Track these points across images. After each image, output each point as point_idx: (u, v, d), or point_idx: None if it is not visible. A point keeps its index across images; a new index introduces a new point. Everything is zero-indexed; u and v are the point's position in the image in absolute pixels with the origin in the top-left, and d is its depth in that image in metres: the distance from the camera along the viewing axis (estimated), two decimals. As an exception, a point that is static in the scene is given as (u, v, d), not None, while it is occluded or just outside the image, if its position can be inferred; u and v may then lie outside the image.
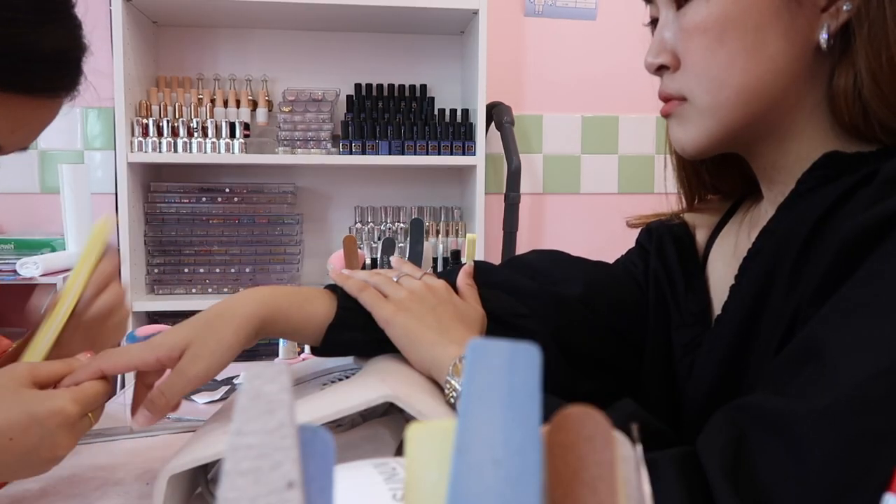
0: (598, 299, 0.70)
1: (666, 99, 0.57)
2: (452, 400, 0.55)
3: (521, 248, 2.26)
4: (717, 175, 0.66)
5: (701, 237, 0.68)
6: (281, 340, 1.05)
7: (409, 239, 1.09)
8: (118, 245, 1.96)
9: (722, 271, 0.63)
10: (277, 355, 1.04)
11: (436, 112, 2.01)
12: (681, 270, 0.66)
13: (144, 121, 1.86)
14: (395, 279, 0.65)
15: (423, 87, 2.09)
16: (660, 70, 0.57)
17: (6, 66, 0.54)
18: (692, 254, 0.67)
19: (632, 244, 0.76)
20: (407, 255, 1.08)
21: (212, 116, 1.93)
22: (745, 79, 0.52)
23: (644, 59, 0.58)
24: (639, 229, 0.75)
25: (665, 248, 0.68)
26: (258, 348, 2.20)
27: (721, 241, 0.65)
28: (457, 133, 1.95)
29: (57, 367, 0.57)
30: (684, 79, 0.55)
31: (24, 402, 0.52)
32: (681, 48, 0.55)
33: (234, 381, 0.97)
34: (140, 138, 1.85)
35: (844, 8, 0.49)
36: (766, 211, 0.59)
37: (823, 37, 0.50)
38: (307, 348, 0.99)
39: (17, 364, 0.56)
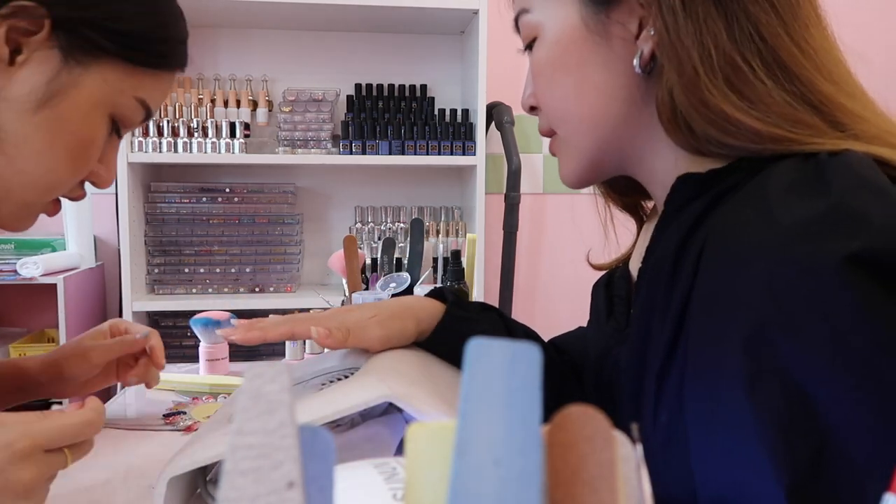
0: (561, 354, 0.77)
1: (545, 136, 0.63)
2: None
3: (521, 247, 2.26)
4: (634, 192, 0.68)
5: (638, 255, 0.69)
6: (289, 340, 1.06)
7: (409, 239, 1.09)
8: (118, 245, 1.96)
9: None
10: (280, 356, 1.04)
11: (436, 112, 2.01)
12: (605, 302, 0.68)
13: (144, 121, 1.86)
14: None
15: (423, 87, 2.09)
16: (533, 111, 0.63)
17: (165, 50, 0.66)
18: (621, 285, 0.68)
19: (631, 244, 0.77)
20: (407, 255, 1.08)
21: (212, 116, 1.93)
22: (581, 110, 0.57)
23: None
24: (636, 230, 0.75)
25: (598, 295, 0.71)
26: (259, 348, 2.21)
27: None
28: (457, 133, 1.95)
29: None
30: (545, 116, 0.61)
31: None
32: (535, 90, 0.61)
33: (235, 381, 0.97)
34: (140, 138, 1.85)
35: (650, 33, 0.52)
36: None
37: (636, 63, 0.53)
38: (308, 348, 1.01)
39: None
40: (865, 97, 0.51)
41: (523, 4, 0.59)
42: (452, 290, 0.74)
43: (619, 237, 0.71)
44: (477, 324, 0.70)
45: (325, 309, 1.11)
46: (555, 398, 0.69)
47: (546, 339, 0.80)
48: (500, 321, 0.74)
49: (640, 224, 0.70)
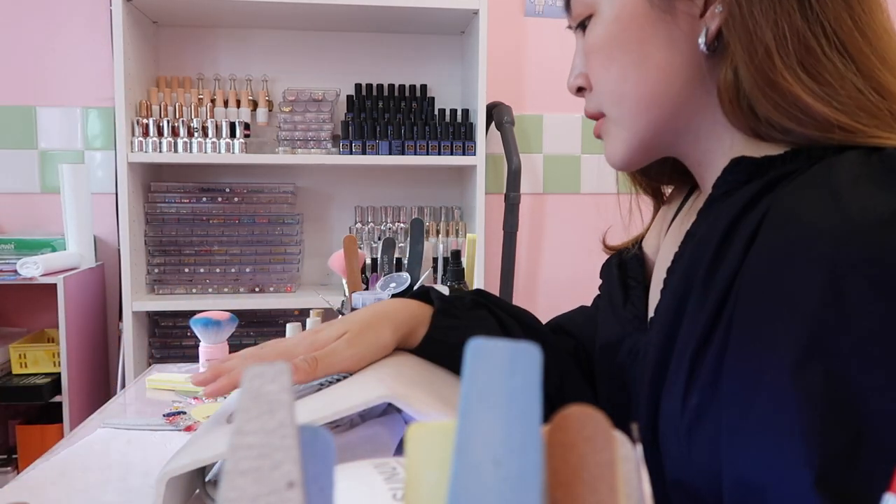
0: (562, 340, 0.75)
1: (592, 118, 0.61)
2: None
3: (521, 248, 2.26)
4: (661, 176, 0.67)
5: (654, 239, 0.69)
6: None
7: (409, 239, 1.09)
8: (118, 245, 1.96)
9: (666, 263, 0.63)
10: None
11: (436, 112, 2.01)
12: (619, 285, 0.67)
13: (145, 121, 1.86)
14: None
15: (423, 87, 2.09)
16: (580, 92, 0.61)
17: None
18: (635, 268, 0.67)
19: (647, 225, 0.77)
20: (407, 255, 1.08)
21: (212, 116, 1.93)
22: (640, 89, 0.55)
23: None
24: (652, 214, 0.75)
25: (610, 274, 0.70)
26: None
27: (670, 236, 0.65)
28: (457, 133, 1.95)
29: None
30: (596, 97, 0.59)
31: None
32: (587, 69, 0.59)
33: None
34: (140, 138, 1.85)
35: (717, 10, 0.50)
36: (696, 210, 0.60)
37: (701, 40, 0.51)
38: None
39: None
40: None
41: None
42: (437, 292, 0.69)
43: (635, 226, 0.71)
44: (467, 330, 0.65)
45: (331, 308, 1.11)
46: (556, 385, 0.68)
47: None
48: (491, 319, 0.69)
49: (657, 207, 0.70)
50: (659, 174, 0.67)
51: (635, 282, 0.65)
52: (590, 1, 0.57)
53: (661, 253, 0.64)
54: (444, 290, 0.96)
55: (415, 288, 0.98)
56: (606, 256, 0.76)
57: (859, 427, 0.37)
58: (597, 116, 0.60)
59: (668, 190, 0.70)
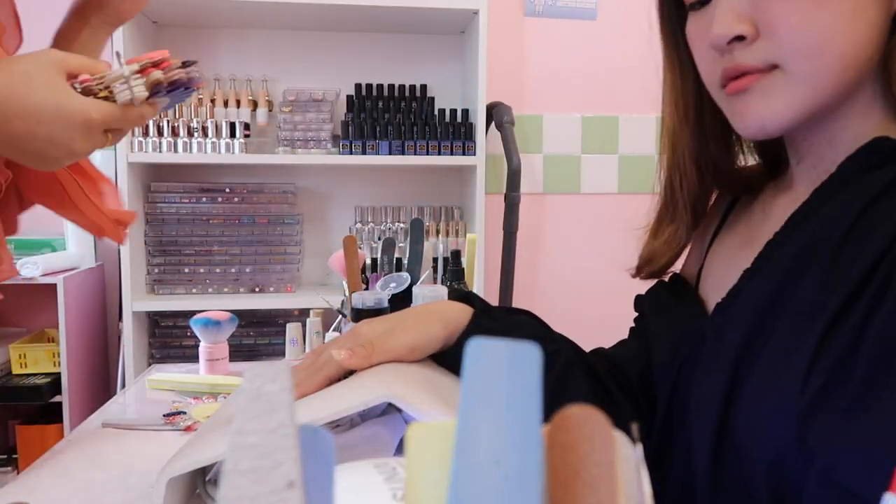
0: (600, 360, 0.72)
1: (746, 72, 0.53)
2: None
3: (521, 247, 2.26)
4: (721, 176, 0.64)
5: (694, 259, 0.69)
6: (289, 341, 1.06)
7: (409, 239, 1.09)
8: (118, 245, 1.96)
9: (723, 268, 0.62)
10: (280, 355, 1.04)
11: (436, 112, 2.01)
12: (667, 292, 0.66)
13: (144, 121, 1.86)
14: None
15: (423, 87, 2.09)
16: (732, 42, 0.53)
17: None
18: (677, 281, 0.67)
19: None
20: (407, 255, 1.08)
21: (212, 116, 1.93)
22: (845, 44, 0.49)
23: (711, 33, 0.53)
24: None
25: (645, 298, 0.69)
26: (259, 348, 2.23)
27: (720, 242, 0.64)
28: (457, 133, 1.95)
29: (85, 62, 0.63)
30: (772, 47, 0.51)
31: (57, 92, 0.58)
32: (767, 14, 0.51)
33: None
34: (140, 138, 1.85)
35: None
36: (792, 195, 0.57)
37: None
38: (308, 347, 0.99)
39: (49, 51, 0.61)
40: None
41: None
42: (477, 297, 0.68)
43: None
44: (507, 333, 0.63)
45: (331, 308, 1.11)
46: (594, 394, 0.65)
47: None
48: (532, 322, 0.68)
49: (688, 223, 0.66)
50: (725, 180, 0.64)
51: (682, 287, 0.65)
52: None
53: (714, 261, 0.64)
54: (444, 291, 0.96)
55: (414, 287, 0.98)
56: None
57: None
58: (761, 69, 0.52)
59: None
